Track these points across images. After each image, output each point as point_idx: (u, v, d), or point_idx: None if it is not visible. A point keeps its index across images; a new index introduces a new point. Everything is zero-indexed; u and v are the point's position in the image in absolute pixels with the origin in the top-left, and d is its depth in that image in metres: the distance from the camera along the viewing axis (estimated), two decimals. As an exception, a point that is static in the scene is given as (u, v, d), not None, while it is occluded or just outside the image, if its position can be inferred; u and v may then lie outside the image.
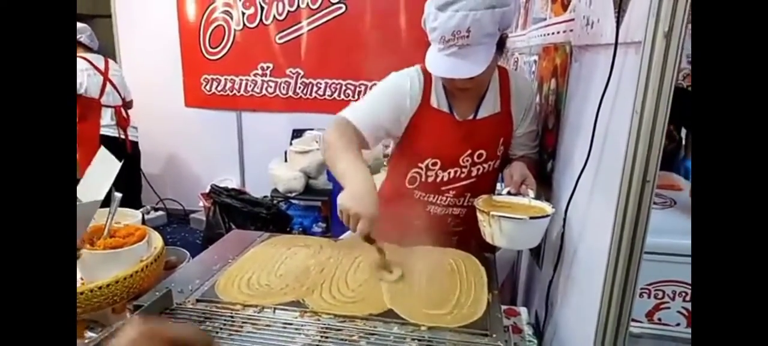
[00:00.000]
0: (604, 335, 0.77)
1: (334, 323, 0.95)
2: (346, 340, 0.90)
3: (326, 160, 1.28)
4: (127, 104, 3.18)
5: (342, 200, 1.10)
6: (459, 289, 1.07)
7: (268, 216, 3.08)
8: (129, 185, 3.31)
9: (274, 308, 0.99)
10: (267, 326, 0.93)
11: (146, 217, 3.82)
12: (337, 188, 1.65)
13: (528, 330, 1.34)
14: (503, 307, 1.43)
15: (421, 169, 1.41)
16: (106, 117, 2.97)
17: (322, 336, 0.90)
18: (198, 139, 4.07)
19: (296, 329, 0.93)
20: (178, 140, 4.12)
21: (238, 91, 3.88)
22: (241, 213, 3.06)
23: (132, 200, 3.36)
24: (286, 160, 3.60)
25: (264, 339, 0.89)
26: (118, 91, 3.09)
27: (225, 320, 0.95)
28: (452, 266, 1.20)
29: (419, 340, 0.90)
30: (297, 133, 3.73)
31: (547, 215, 1.12)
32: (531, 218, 1.10)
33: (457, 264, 1.20)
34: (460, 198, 1.44)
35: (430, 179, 1.42)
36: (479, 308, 1.00)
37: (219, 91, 3.91)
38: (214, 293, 1.05)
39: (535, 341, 1.29)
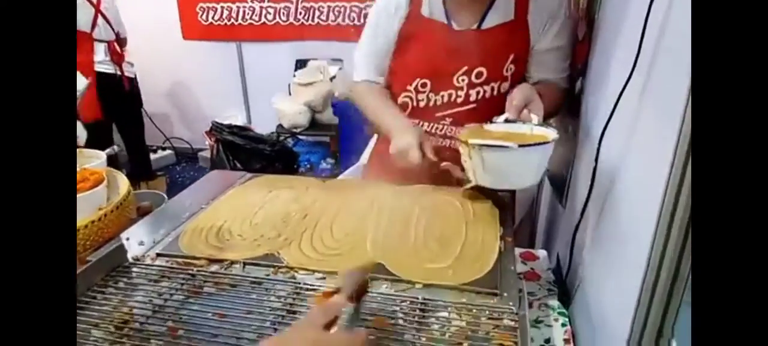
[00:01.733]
0: (651, 299, 0.59)
1: (310, 280, 0.79)
2: (323, 302, 0.74)
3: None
4: (121, 41, 2.98)
5: (394, 144, 1.06)
6: (464, 237, 0.90)
7: (272, 153, 2.93)
8: (130, 124, 3.18)
9: (244, 264, 0.84)
10: (232, 285, 0.78)
11: (153, 156, 3.73)
12: (344, 123, 1.47)
13: (547, 277, 1.17)
14: (520, 250, 1.27)
15: (411, 92, 1.22)
16: (100, 52, 2.79)
17: (294, 297, 0.75)
18: (200, 75, 3.88)
19: (266, 289, 0.77)
20: (180, 77, 3.94)
21: (237, 20, 3.63)
22: (245, 150, 2.92)
23: (135, 140, 3.25)
24: (290, 94, 3.40)
25: (224, 302, 0.74)
26: (111, 26, 2.89)
27: (184, 278, 0.80)
28: (457, 207, 1.02)
29: (411, 301, 0.74)
30: (300, 64, 3.49)
31: (546, 142, 0.91)
32: (520, 145, 0.88)
33: (464, 206, 1.03)
34: (459, 128, 1.22)
35: (421, 104, 1.23)
36: (488, 261, 0.83)
37: (216, 21, 3.66)
38: (179, 246, 0.90)
39: (556, 289, 1.12)
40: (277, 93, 3.45)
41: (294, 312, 0.72)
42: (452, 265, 0.82)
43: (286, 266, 0.83)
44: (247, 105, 3.93)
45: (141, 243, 0.92)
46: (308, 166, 3.19)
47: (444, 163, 1.05)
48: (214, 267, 0.84)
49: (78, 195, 0.96)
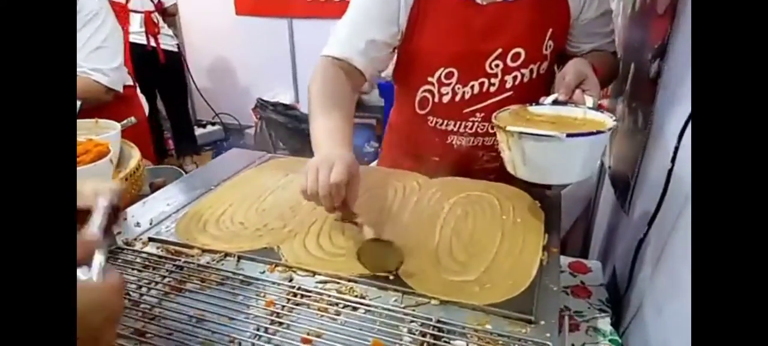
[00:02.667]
0: None
1: (308, 283, 0.67)
2: (317, 313, 0.62)
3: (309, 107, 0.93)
4: (166, 10, 2.96)
5: (308, 163, 0.76)
6: (498, 244, 0.75)
7: (315, 133, 2.84)
8: (172, 98, 3.19)
9: (238, 257, 0.73)
10: (219, 282, 0.68)
11: (202, 131, 3.76)
12: (390, 106, 1.23)
13: (599, 294, 1.00)
14: (569, 259, 1.10)
15: (433, 84, 1.02)
16: (135, 23, 2.78)
17: (285, 303, 0.63)
18: (251, 50, 3.85)
19: (256, 291, 0.66)
20: (232, 52, 3.94)
21: (289, -5, 3.56)
22: (288, 130, 2.85)
23: (179, 114, 3.26)
24: (337, 73, 3.30)
25: (206, 302, 0.63)
26: (149, -4, 2.87)
27: (168, 270, 0.70)
28: (494, 206, 0.86)
29: (423, 323, 0.60)
30: (350, 43, 3.37)
31: (601, 132, 0.74)
32: (569, 135, 0.71)
33: (503, 205, 0.87)
34: (491, 123, 1.05)
35: (445, 99, 1.03)
36: (524, 277, 0.68)
37: (269, -4, 3.61)
38: (174, 232, 0.81)
39: (609, 310, 0.95)
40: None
41: (281, 322, 0.60)
42: (479, 279, 0.67)
43: (284, 265, 0.71)
44: (295, 83, 3.88)
45: (137, 225, 0.84)
46: (352, 149, 3.10)
47: (359, 220, 0.75)
48: (206, 259, 0.74)
49: (78, 168, 0.89)
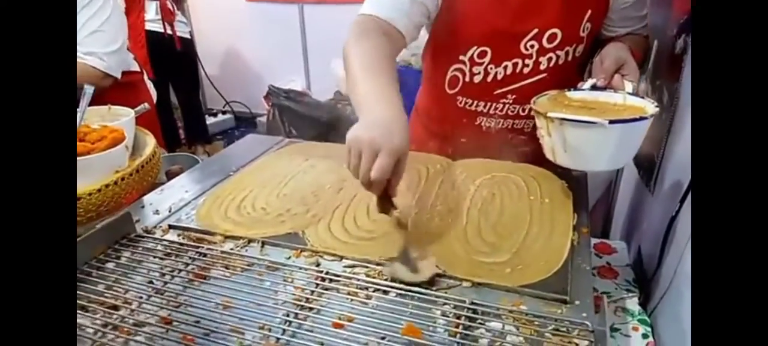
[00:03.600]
0: None
1: (336, 269, 0.66)
2: (347, 297, 0.60)
3: (347, 91, 0.83)
4: (177, -2, 2.95)
5: (354, 131, 0.68)
6: (528, 224, 0.73)
7: (329, 120, 2.82)
8: (184, 85, 3.18)
9: (262, 243, 0.72)
10: (244, 269, 0.67)
11: (212, 120, 3.75)
12: (404, 92, 1.12)
13: (625, 274, 0.98)
14: (594, 241, 1.08)
15: (464, 63, 0.99)
16: (151, 11, 2.77)
17: (313, 289, 0.62)
18: (261, 38, 3.82)
19: (283, 277, 0.65)
20: (241, 39, 3.91)
21: (300, -20, 3.51)
22: (301, 117, 2.84)
23: (191, 102, 3.25)
24: (349, 59, 3.27)
25: (233, 289, 0.62)
26: (164, -17, 2.85)
27: (191, 257, 0.69)
28: (522, 188, 0.84)
29: (456, 305, 0.58)
30: (361, 28, 3.33)
31: (644, 118, 0.72)
32: (611, 122, 0.69)
33: (530, 186, 0.85)
34: (525, 106, 1.02)
35: (476, 79, 1.00)
36: (557, 258, 0.66)
37: (281, -18, 3.57)
38: (194, 219, 0.80)
39: (636, 290, 0.93)
40: (336, 58, 3.32)
41: (311, 308, 0.59)
42: (511, 261, 0.65)
43: (310, 249, 0.70)
44: (306, 70, 3.85)
45: (156, 212, 0.83)
46: (364, 135, 3.07)
47: (396, 213, 0.73)
48: (229, 245, 0.72)
49: (93, 155, 0.88)
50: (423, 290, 0.61)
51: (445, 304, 0.59)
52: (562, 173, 0.90)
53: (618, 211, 1.47)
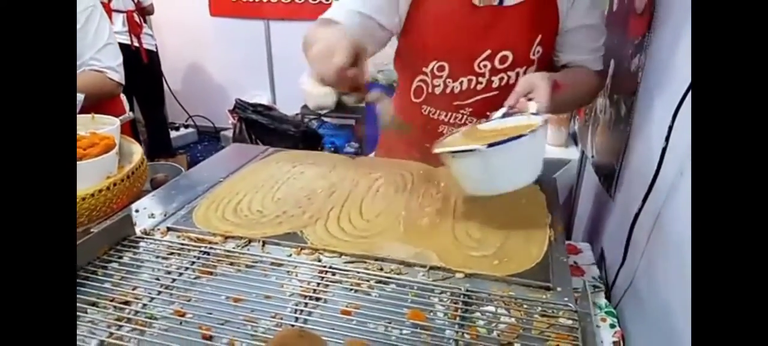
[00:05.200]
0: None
1: (338, 264, 0.70)
2: (350, 289, 0.65)
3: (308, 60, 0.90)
4: (144, 9, 2.91)
5: (313, 53, 0.81)
6: (509, 221, 0.80)
7: (296, 134, 2.85)
8: (150, 98, 3.13)
9: (263, 242, 0.75)
10: (249, 266, 0.70)
11: (175, 134, 3.69)
12: (370, 106, 1.23)
13: (592, 272, 1.06)
14: (561, 242, 1.16)
15: (426, 75, 1.06)
16: (118, 23, 2.73)
17: (318, 282, 0.66)
18: (226, 52, 3.81)
19: (287, 271, 0.69)
20: (206, 54, 3.89)
21: (265, -2, 3.55)
22: (268, 130, 2.85)
23: (155, 116, 3.20)
24: (316, 74, 3.31)
25: (240, 284, 0.65)
26: (129, -5, 2.83)
27: (197, 255, 0.72)
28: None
29: (453, 292, 0.64)
30: (328, 44, 3.39)
31: (523, 135, 0.70)
32: (490, 145, 0.69)
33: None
34: (480, 118, 1.05)
35: (437, 91, 1.07)
36: (537, 250, 0.73)
37: (244, -2, 3.59)
38: (192, 221, 0.82)
39: (602, 286, 1.01)
40: (303, 73, 3.36)
41: (318, 298, 0.63)
42: (497, 253, 0.72)
43: (311, 247, 0.74)
44: (272, 85, 3.86)
45: (151, 216, 0.84)
46: (332, 149, 3.11)
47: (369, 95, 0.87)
48: (230, 245, 0.75)
49: (85, 161, 0.89)
50: (421, 281, 0.66)
51: (442, 292, 0.64)
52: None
53: (579, 215, 1.58)
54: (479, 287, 0.65)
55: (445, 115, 1.10)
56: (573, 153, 1.77)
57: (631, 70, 1.11)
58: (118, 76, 1.37)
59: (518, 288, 0.66)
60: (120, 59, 1.39)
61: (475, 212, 0.83)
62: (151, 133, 3.24)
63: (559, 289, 0.66)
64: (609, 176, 1.21)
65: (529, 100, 0.82)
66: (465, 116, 1.09)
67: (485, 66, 1.02)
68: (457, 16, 1.01)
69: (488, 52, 1.01)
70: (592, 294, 0.99)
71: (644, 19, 1.05)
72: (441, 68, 1.04)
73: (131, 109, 2.96)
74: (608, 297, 0.97)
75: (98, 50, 1.33)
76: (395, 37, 1.10)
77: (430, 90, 1.08)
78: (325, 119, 3.32)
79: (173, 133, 3.66)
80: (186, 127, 3.92)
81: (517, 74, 1.02)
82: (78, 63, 1.31)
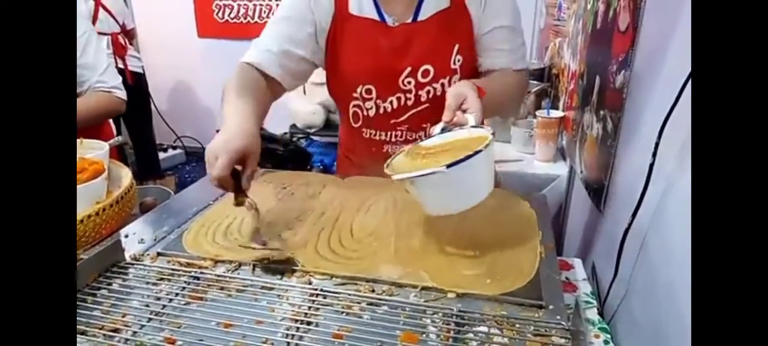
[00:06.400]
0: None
1: (328, 286, 0.70)
2: (342, 312, 0.65)
3: None
4: (128, 32, 2.92)
5: (208, 147, 0.81)
6: (500, 239, 0.80)
7: (285, 153, 2.85)
8: (137, 120, 3.12)
9: (253, 266, 0.75)
10: (239, 290, 0.69)
11: (164, 155, 3.67)
12: None
13: (584, 288, 1.07)
14: (552, 258, 1.17)
15: (358, 99, 1.08)
16: (102, 45, 2.73)
17: (309, 306, 0.65)
18: (214, 73, 3.79)
19: (278, 295, 0.68)
20: (193, 75, 3.89)
21: (253, 18, 3.58)
22: (257, 150, 2.85)
23: (143, 138, 3.19)
24: (304, 93, 3.33)
25: (231, 309, 0.65)
26: (114, 18, 2.83)
27: (186, 281, 0.71)
28: (488, 206, 0.91)
29: (445, 313, 0.64)
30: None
31: (480, 151, 0.70)
32: (449, 165, 0.69)
33: (494, 205, 0.92)
34: (418, 132, 1.09)
35: (371, 113, 1.09)
36: (529, 268, 0.73)
37: (232, 19, 3.61)
38: (182, 245, 0.81)
39: (594, 302, 1.02)
40: (291, 92, 3.37)
41: (310, 322, 0.62)
42: (489, 271, 0.72)
43: (301, 270, 0.73)
44: (260, 104, 3.87)
45: (141, 241, 0.83)
46: (321, 167, 3.11)
47: (248, 203, 0.82)
48: (221, 269, 0.75)
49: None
50: (413, 302, 0.66)
51: (434, 313, 0.64)
52: (521, 193, 0.98)
53: (570, 230, 1.59)
54: (471, 307, 0.65)
55: (385, 135, 1.11)
56: (562, 168, 1.78)
57: (617, 86, 1.13)
58: (123, 93, 1.45)
59: (510, 307, 0.66)
60: (120, 79, 1.46)
61: (465, 230, 0.83)
62: (139, 156, 3.22)
63: (551, 307, 0.66)
64: (598, 191, 1.22)
65: (464, 111, 0.83)
66: (403, 132, 1.10)
67: (409, 82, 1.04)
68: (374, 38, 1.03)
69: (409, 68, 1.03)
70: (584, 310, 1.00)
71: (628, 37, 1.08)
72: (368, 91, 1.06)
73: (118, 131, 2.96)
74: (601, 313, 0.97)
75: (101, 73, 1.39)
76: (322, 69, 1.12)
77: (365, 113, 1.10)
78: (314, 138, 3.32)
79: (161, 155, 3.64)
80: (174, 148, 3.91)
81: (443, 85, 1.04)
82: (83, 87, 1.35)
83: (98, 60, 1.39)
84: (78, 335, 0.60)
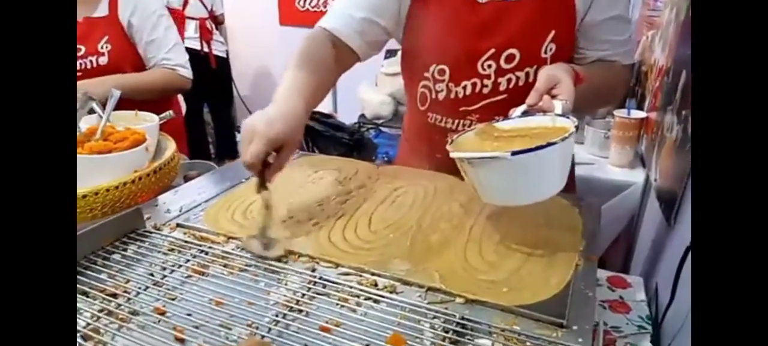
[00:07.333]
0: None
1: (330, 275, 0.66)
2: (337, 303, 0.60)
3: None
4: (216, 18, 3.08)
5: (247, 122, 0.76)
6: (532, 246, 0.71)
7: (351, 142, 2.85)
8: (219, 103, 3.28)
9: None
10: (241, 269, 0.67)
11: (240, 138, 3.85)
12: None
13: (639, 310, 0.94)
14: (607, 273, 1.04)
15: (428, 80, 0.98)
16: (190, 29, 2.90)
17: (304, 292, 0.62)
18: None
19: (278, 278, 0.65)
20: (274, 61, 4.02)
21: (333, 7, 3.63)
22: (324, 137, 2.87)
23: (224, 120, 3.35)
24: (376, 84, 3.31)
25: (227, 287, 0.63)
26: (203, 3, 2.99)
27: (194, 253, 0.71)
28: (531, 211, 0.82)
29: (446, 319, 0.57)
30: (390, 54, 3.38)
31: (554, 143, 0.62)
32: (514, 152, 0.62)
33: (538, 208, 0.83)
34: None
35: (440, 96, 0.98)
36: (557, 280, 0.64)
37: (313, 7, 3.68)
38: (202, 220, 0.81)
39: (649, 328, 0.89)
40: (363, 82, 3.37)
41: (300, 310, 0.59)
42: (509, 279, 0.64)
43: (307, 255, 0.70)
44: (334, 93, 3.91)
45: (168, 211, 0.85)
46: (386, 159, 3.08)
47: (265, 194, 0.76)
48: (230, 246, 0.73)
49: (113, 154, 0.92)
50: (415, 302, 0.60)
51: (434, 317, 0.58)
52: (572, 198, 0.88)
53: (639, 245, 1.42)
54: (479, 316, 0.58)
55: (452, 123, 1.01)
56: (638, 176, 1.60)
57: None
58: (187, 72, 1.50)
59: (526, 322, 0.57)
60: (187, 57, 1.51)
61: (495, 231, 0.75)
62: (219, 136, 3.39)
63: (574, 327, 0.57)
64: (670, 203, 1.08)
65: (553, 97, 0.74)
66: (473, 123, 0.99)
67: (489, 66, 0.93)
68: (458, 15, 0.93)
69: (492, 50, 0.92)
70: (634, 335, 0.87)
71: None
72: (441, 72, 0.97)
73: (201, 111, 3.13)
74: (656, 342, 0.85)
75: (168, 50, 1.45)
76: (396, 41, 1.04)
77: (433, 96, 1.00)
78: (383, 129, 3.30)
79: (239, 137, 3.81)
80: (253, 130, 4.07)
81: (527, 74, 0.92)
82: (151, 63, 1.43)
83: (167, 39, 1.46)
84: (79, 295, 0.61)
